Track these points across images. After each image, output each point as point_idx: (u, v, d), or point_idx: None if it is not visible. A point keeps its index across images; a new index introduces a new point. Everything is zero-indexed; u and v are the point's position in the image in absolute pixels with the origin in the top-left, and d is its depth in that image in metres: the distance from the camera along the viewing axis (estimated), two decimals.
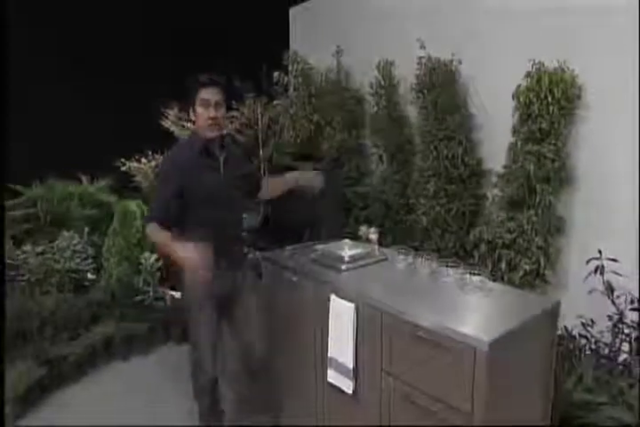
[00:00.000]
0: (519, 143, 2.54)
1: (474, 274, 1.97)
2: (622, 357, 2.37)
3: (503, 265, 2.45)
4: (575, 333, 2.47)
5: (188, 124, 4.13)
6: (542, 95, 2.50)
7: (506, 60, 2.80)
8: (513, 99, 2.61)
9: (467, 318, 1.75)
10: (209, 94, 2.10)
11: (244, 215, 3.24)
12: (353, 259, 2.33)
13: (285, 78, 3.99)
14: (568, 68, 2.55)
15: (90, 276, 3.62)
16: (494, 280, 2.12)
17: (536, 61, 2.59)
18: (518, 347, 1.75)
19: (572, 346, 2.44)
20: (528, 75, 2.59)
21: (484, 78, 2.92)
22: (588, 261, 2.39)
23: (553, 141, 2.47)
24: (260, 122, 4.42)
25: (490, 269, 2.49)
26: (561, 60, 2.55)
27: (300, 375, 2.40)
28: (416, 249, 2.35)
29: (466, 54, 2.95)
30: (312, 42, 4.33)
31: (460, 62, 2.95)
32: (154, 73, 4.26)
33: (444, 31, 3.10)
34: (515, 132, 2.59)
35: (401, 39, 3.34)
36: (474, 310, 1.84)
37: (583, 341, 2.42)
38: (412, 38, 3.11)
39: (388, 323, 1.87)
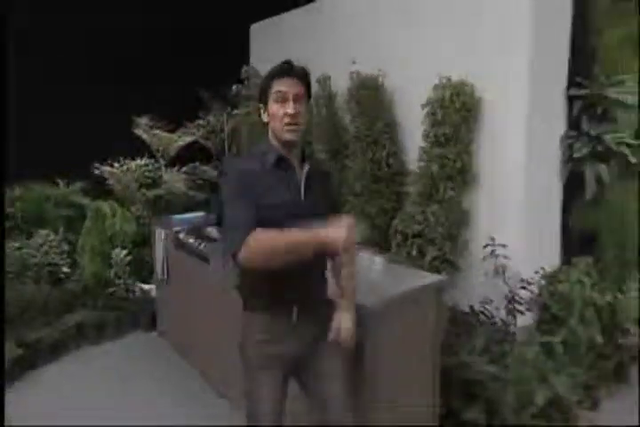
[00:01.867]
0: (428, 147, 2.96)
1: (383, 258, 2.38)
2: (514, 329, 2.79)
3: (414, 252, 2.86)
4: (478, 310, 2.88)
5: (158, 131, 4.53)
6: (446, 105, 2.91)
7: (421, 74, 3.21)
8: (422, 108, 3.03)
9: (364, 290, 2.15)
10: (285, 86, 1.64)
11: (202, 213, 3.67)
12: None
13: (243, 90, 4.41)
14: (468, 83, 2.97)
15: (65, 269, 4.00)
16: (406, 265, 2.52)
17: (443, 76, 3.01)
18: (401, 311, 2.15)
19: (475, 320, 2.85)
20: (436, 87, 3.01)
21: (403, 90, 3.33)
22: (484, 247, 2.81)
23: (455, 145, 2.88)
24: (225, 129, 4.84)
25: (405, 255, 2.90)
26: (463, 75, 2.97)
27: (230, 343, 2.79)
28: None
29: (390, 70, 3.37)
30: (268, 57, 4.74)
31: (384, 77, 3.36)
32: (127, 83, 4.65)
33: (373, 50, 3.52)
34: (425, 136, 3.00)
35: (337, 57, 3.77)
36: (372, 284, 2.24)
37: (482, 316, 2.83)
38: (346, 56, 3.56)
39: None
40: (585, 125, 3.15)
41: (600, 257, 3.17)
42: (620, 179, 3.26)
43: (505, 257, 2.74)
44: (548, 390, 2.37)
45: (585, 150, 3.07)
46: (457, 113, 2.89)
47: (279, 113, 1.61)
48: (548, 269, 3.06)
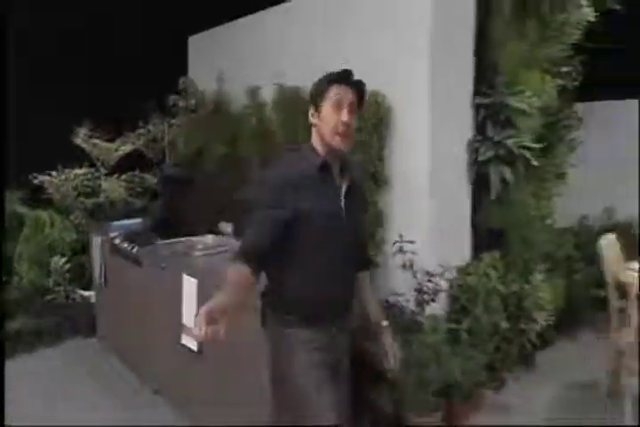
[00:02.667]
0: None
1: None
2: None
3: None
4: (391, 302, 3.11)
5: (97, 141, 4.64)
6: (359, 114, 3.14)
7: None
8: None
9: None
10: (343, 92, 1.64)
11: (140, 220, 3.81)
12: (205, 247, 2.94)
13: (180, 101, 4.58)
14: (380, 93, 3.22)
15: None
16: None
17: None
18: None
19: (389, 312, 3.08)
20: None
21: None
22: (394, 243, 3.05)
23: (368, 151, 3.12)
24: (166, 138, 4.99)
25: None
26: (375, 86, 3.21)
27: (160, 339, 2.96)
28: None
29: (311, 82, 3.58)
30: (205, 69, 4.93)
31: (306, 88, 3.58)
32: (67, 95, 4.71)
33: (296, 63, 3.74)
34: None
35: (265, 69, 3.98)
36: None
37: (395, 308, 3.06)
38: (273, 68, 3.78)
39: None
40: (490, 131, 3.43)
41: (506, 252, 3.45)
42: (524, 179, 3.56)
43: (412, 253, 2.97)
44: (444, 372, 2.61)
45: (489, 154, 3.34)
46: (369, 121, 3.12)
47: (333, 119, 1.61)
48: (460, 263, 3.32)
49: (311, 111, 1.69)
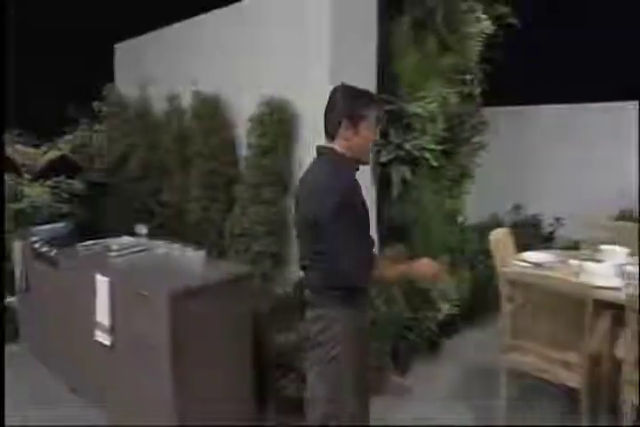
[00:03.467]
0: (251, 157, 3.38)
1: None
2: None
3: (242, 248, 3.27)
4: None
5: (22, 147, 4.67)
6: (266, 120, 3.36)
7: (252, 94, 3.62)
8: (247, 124, 3.46)
9: (175, 280, 2.52)
10: (379, 113, 1.95)
11: (62, 224, 3.90)
12: (120, 248, 3.08)
13: (104, 107, 4.69)
14: (286, 101, 3.43)
15: None
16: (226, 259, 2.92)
17: (266, 95, 3.45)
18: (208, 296, 2.53)
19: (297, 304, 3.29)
20: (259, 105, 3.45)
21: (240, 109, 3.74)
22: None
23: (274, 155, 3.33)
24: (94, 143, 5.08)
25: (234, 252, 3.30)
26: (280, 95, 3.43)
27: (78, 338, 3.08)
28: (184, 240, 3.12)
29: (230, 90, 3.78)
30: (129, 76, 5.04)
31: (221, 95, 3.77)
32: None
33: (215, 72, 3.92)
34: (249, 148, 3.43)
35: (185, 77, 4.14)
36: (183, 274, 2.61)
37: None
38: (192, 77, 3.94)
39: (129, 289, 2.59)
40: (392, 135, 3.70)
41: (408, 245, 3.72)
42: (425, 179, 3.84)
43: None
44: None
45: (390, 156, 3.61)
46: (275, 127, 3.33)
47: (370, 138, 1.89)
48: None
49: (347, 125, 1.89)
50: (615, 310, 2.68)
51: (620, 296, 2.60)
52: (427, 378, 3.52)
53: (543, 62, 6.08)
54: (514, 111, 5.81)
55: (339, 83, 3.33)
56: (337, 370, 1.96)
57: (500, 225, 5.38)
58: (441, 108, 3.80)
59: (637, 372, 2.51)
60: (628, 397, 2.57)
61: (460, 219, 4.68)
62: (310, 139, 3.44)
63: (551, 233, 5.40)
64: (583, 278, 2.98)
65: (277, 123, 3.36)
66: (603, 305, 2.76)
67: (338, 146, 1.92)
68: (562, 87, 5.71)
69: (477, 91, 4.55)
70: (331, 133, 1.94)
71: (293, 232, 3.47)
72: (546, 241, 5.25)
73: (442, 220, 3.88)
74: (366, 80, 3.69)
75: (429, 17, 3.76)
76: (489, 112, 5.18)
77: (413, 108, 3.66)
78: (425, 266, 1.96)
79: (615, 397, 2.64)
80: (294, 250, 3.44)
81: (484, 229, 5.07)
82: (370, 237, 2.03)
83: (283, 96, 3.45)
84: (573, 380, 2.72)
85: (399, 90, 3.79)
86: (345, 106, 1.90)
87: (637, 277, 3.02)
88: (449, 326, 3.94)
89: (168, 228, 3.73)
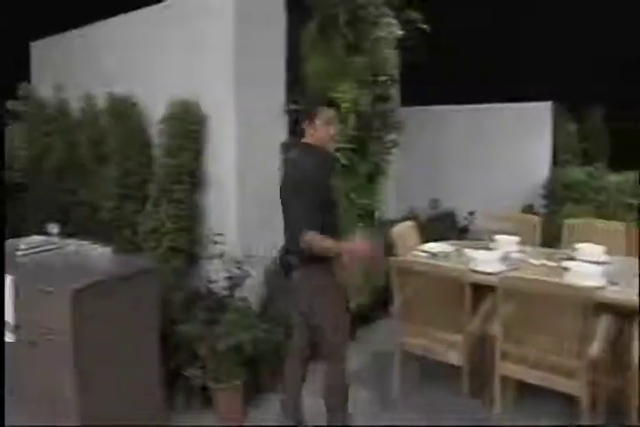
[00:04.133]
0: (161, 156, 3.50)
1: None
2: None
3: (152, 244, 3.39)
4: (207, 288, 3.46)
5: None
6: (175, 122, 3.48)
7: (165, 96, 3.73)
8: (158, 124, 3.58)
9: (80, 276, 2.61)
10: (332, 114, 2.57)
11: None
12: (28, 248, 3.15)
13: (20, 107, 4.69)
14: (195, 102, 3.56)
15: None
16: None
17: (176, 96, 3.57)
18: (114, 290, 2.64)
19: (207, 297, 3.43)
20: (169, 106, 3.56)
21: (154, 109, 3.84)
22: (206, 236, 3.41)
23: (182, 154, 3.46)
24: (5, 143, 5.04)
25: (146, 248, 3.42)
26: (189, 96, 3.56)
27: None
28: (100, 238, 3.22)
29: (145, 92, 3.87)
30: (45, 75, 5.05)
31: (134, 97, 3.86)
32: None
33: (128, 72, 4.01)
34: (159, 147, 3.55)
35: (100, 78, 4.21)
36: (89, 270, 2.71)
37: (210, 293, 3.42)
38: (105, 78, 4.02)
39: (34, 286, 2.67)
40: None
41: None
42: (337, 176, 4.02)
43: (222, 243, 3.34)
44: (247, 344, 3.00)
45: None
46: (183, 128, 3.46)
47: (329, 133, 2.54)
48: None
49: (307, 121, 2.59)
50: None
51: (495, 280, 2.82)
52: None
53: (461, 64, 6.41)
54: (433, 111, 6.10)
55: (245, 85, 3.52)
56: (321, 317, 2.52)
57: (417, 219, 5.67)
58: (350, 109, 3.98)
59: (510, 346, 2.76)
60: (503, 370, 2.83)
61: (377, 214, 4.89)
62: (218, 139, 3.60)
63: (466, 226, 5.70)
64: (470, 265, 3.24)
65: (186, 124, 3.48)
66: (487, 289, 3.01)
67: (306, 139, 2.59)
68: (479, 88, 6.04)
69: (392, 91, 4.78)
70: (302, 133, 2.64)
71: (205, 229, 3.64)
72: (461, 233, 5.55)
73: (354, 215, 4.06)
74: (275, 82, 3.88)
75: (334, 22, 3.94)
76: (409, 112, 5.45)
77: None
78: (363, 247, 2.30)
79: (492, 371, 2.88)
80: (206, 246, 3.59)
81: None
82: (333, 210, 2.56)
83: (191, 98, 3.57)
84: (457, 358, 2.97)
85: (309, 91, 3.96)
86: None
87: (520, 262, 3.32)
88: (363, 315, 4.15)
89: (83, 226, 3.81)
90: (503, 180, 5.79)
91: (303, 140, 2.62)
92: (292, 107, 3.93)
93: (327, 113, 2.58)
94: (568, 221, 4.16)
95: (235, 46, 3.48)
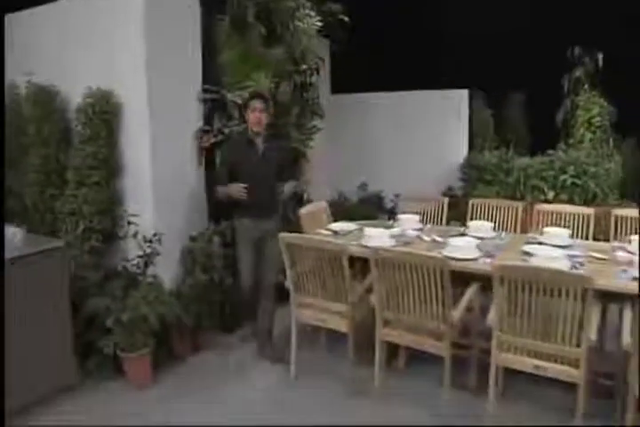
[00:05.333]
0: (78, 144, 3.72)
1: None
2: None
3: (70, 226, 3.63)
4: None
5: None
6: (90, 111, 3.69)
7: (83, 85, 3.91)
8: (75, 113, 3.78)
9: None
10: (257, 104, 3.47)
11: None
12: None
13: None
14: (111, 92, 3.77)
15: None
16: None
17: (91, 86, 3.77)
18: (23, 268, 2.89)
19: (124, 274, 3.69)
20: (86, 96, 3.77)
21: (73, 97, 4.02)
22: (121, 218, 3.65)
23: (98, 142, 3.68)
24: None
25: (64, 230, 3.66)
26: (105, 85, 3.76)
27: None
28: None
29: (66, 81, 4.04)
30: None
31: (56, 86, 4.04)
32: None
33: (50, 62, 4.17)
34: (77, 135, 3.76)
35: (22, 67, 4.35)
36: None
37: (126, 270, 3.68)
38: (27, 67, 4.17)
39: None
40: (215, 121, 4.12)
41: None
42: None
43: (136, 224, 3.59)
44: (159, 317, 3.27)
45: (212, 140, 4.03)
46: (98, 116, 3.67)
47: (252, 118, 3.51)
48: (194, 233, 3.99)
49: (245, 113, 3.59)
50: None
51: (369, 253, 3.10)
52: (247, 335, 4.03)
53: (386, 53, 6.68)
54: (361, 98, 6.35)
55: (158, 74, 3.73)
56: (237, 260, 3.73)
57: (347, 201, 5.97)
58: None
59: (389, 313, 3.06)
60: (383, 336, 3.13)
61: (305, 196, 5.16)
62: (133, 127, 3.82)
63: (392, 207, 6.01)
64: (362, 241, 3.53)
65: (100, 113, 3.69)
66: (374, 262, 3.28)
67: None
68: (403, 76, 6.31)
69: (313, 80, 5.03)
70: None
71: (121, 211, 3.87)
72: (388, 214, 5.85)
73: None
74: (191, 71, 4.09)
75: (245, 14, 4.16)
76: (338, 99, 5.70)
77: (232, 96, 4.08)
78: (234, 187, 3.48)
79: (373, 336, 3.19)
80: (124, 227, 3.83)
81: (332, 205, 5.63)
82: (249, 175, 3.49)
83: (107, 87, 3.78)
84: (343, 325, 3.27)
85: (223, 80, 4.19)
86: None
87: (415, 238, 3.62)
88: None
89: (10, 212, 4.01)
90: (426, 163, 6.10)
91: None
92: (208, 96, 4.16)
93: (251, 102, 3.50)
94: (472, 201, 4.48)
95: (146, 36, 3.66)
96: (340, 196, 5.98)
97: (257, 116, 3.48)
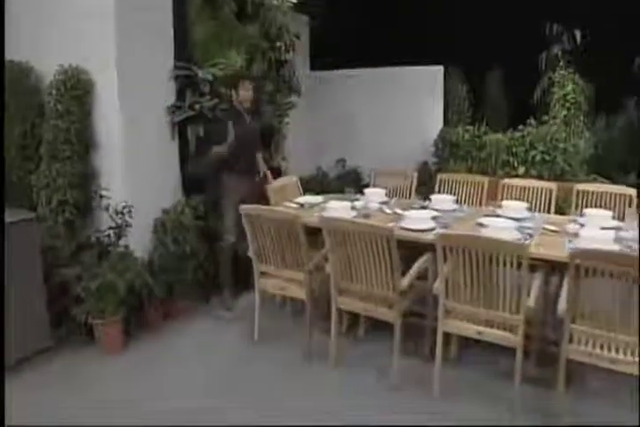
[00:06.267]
0: (49, 119, 3.84)
1: None
2: None
3: (43, 200, 3.78)
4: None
5: None
6: (62, 87, 3.80)
7: (57, 61, 3.99)
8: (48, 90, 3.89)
9: None
10: (246, 83, 4.09)
11: None
12: None
13: None
14: (83, 69, 3.86)
15: None
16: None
17: (63, 63, 3.87)
18: None
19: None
20: (57, 72, 3.87)
21: (48, 75, 4.11)
22: (94, 192, 3.79)
23: (69, 117, 3.79)
24: None
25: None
26: (77, 62, 3.86)
27: None
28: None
29: (41, 58, 4.13)
30: None
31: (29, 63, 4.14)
32: None
33: (23, 39, 4.25)
34: (49, 111, 3.87)
35: None
36: None
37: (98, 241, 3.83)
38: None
39: None
40: (188, 97, 4.22)
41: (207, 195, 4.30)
42: None
43: (108, 198, 3.74)
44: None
45: (183, 116, 4.14)
46: (70, 93, 3.78)
47: (242, 96, 4.10)
48: (167, 205, 4.13)
49: (234, 92, 4.14)
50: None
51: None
52: (219, 305, 4.20)
53: (365, 30, 6.72)
54: (340, 75, 6.41)
55: (128, 51, 3.82)
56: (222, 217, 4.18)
57: (325, 176, 6.09)
58: (232, 74, 4.32)
59: (343, 281, 3.20)
60: (339, 304, 3.29)
61: (283, 170, 5.29)
62: (104, 103, 3.93)
63: (369, 183, 6.12)
64: (323, 213, 3.66)
65: (71, 89, 3.80)
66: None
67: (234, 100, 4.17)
68: (382, 52, 6.36)
69: (289, 56, 5.11)
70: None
71: (94, 185, 4.00)
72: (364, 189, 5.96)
73: None
74: (162, 48, 4.19)
75: None
76: (317, 75, 5.77)
77: (203, 73, 4.18)
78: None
79: (329, 303, 3.34)
80: (98, 200, 3.97)
81: (310, 181, 5.76)
82: (238, 139, 4.00)
83: (78, 64, 3.87)
84: (301, 293, 3.42)
85: (194, 57, 4.28)
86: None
87: (377, 211, 3.75)
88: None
89: None
90: (403, 139, 6.19)
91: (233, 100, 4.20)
92: (179, 72, 4.25)
93: (242, 83, 4.10)
94: (440, 176, 4.59)
95: (116, 13, 3.74)
96: (319, 171, 6.10)
97: (246, 94, 4.09)
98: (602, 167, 5.38)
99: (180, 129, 4.28)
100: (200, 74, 4.18)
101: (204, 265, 4.13)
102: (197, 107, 4.16)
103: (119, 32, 3.81)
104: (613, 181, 5.17)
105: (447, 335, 3.06)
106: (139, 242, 3.94)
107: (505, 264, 2.67)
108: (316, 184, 5.48)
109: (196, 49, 4.34)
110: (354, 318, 3.57)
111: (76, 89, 3.84)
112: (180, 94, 4.27)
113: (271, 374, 3.28)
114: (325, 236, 3.13)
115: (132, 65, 3.90)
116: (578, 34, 5.71)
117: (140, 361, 3.45)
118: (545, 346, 3.27)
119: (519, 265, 2.63)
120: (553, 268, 3.03)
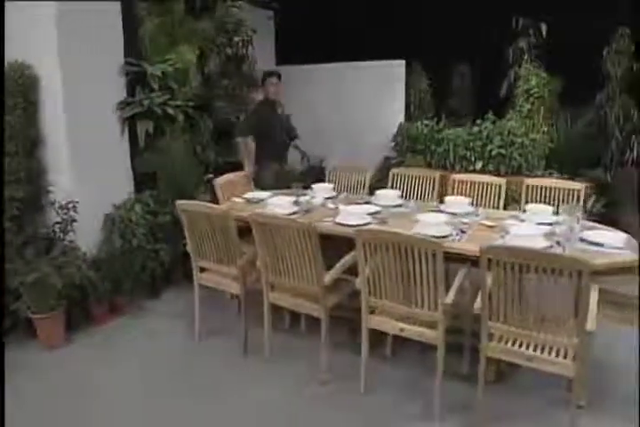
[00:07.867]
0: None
1: None
2: None
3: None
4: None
5: None
6: (7, 82, 3.83)
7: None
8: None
9: None
10: (273, 79, 4.75)
11: None
12: None
13: None
14: (25, 64, 3.89)
15: None
16: None
17: (10, 58, 3.90)
18: None
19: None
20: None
21: None
22: (47, 191, 3.84)
23: (14, 113, 3.83)
24: None
25: None
26: (21, 58, 3.89)
27: None
28: None
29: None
30: None
31: None
32: None
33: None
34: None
35: None
36: None
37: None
38: None
39: None
40: (137, 93, 4.25)
41: (157, 190, 4.33)
42: (177, 131, 4.42)
43: (54, 193, 3.78)
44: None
45: (132, 111, 4.17)
46: (14, 88, 3.81)
47: (270, 91, 4.84)
48: (118, 201, 4.18)
49: (262, 88, 4.93)
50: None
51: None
52: (167, 300, 4.25)
53: (330, 25, 6.71)
54: (304, 70, 6.40)
55: (73, 47, 3.84)
56: None
57: (289, 172, 6.08)
58: (184, 69, 4.33)
59: (274, 277, 3.22)
60: (270, 298, 3.31)
61: None
62: (50, 98, 3.96)
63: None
64: (265, 208, 3.67)
65: (16, 84, 3.83)
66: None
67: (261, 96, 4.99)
68: (347, 47, 6.35)
69: (248, 52, 5.12)
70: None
71: (42, 180, 4.04)
72: None
73: (190, 167, 4.47)
74: (111, 44, 4.20)
75: None
76: (282, 70, 5.74)
77: (152, 69, 4.20)
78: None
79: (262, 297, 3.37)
80: (47, 195, 4.01)
81: (275, 175, 5.75)
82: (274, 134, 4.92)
83: (25, 61, 3.90)
84: (235, 288, 3.46)
85: (145, 53, 4.30)
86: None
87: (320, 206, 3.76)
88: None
89: None
90: (367, 134, 6.19)
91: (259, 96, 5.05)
92: (128, 68, 4.27)
93: (269, 79, 4.80)
94: (392, 170, 4.59)
95: (59, 8, 3.77)
96: (284, 166, 6.10)
97: (274, 89, 4.80)
98: (566, 162, 5.35)
99: (131, 125, 4.29)
100: (150, 70, 4.19)
101: (154, 261, 4.14)
102: (146, 102, 4.18)
103: (63, 27, 3.84)
104: (578, 176, 5.15)
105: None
106: (86, 237, 3.99)
107: (421, 260, 2.68)
108: (281, 180, 5.46)
109: (147, 45, 4.35)
110: (296, 313, 3.59)
111: (21, 84, 3.87)
112: (131, 90, 4.29)
113: (210, 366, 3.36)
114: (254, 231, 3.15)
115: (78, 61, 3.93)
116: (544, 28, 5.65)
117: (78, 356, 3.49)
118: (476, 342, 3.28)
119: (432, 260, 2.64)
120: (474, 263, 3.03)
